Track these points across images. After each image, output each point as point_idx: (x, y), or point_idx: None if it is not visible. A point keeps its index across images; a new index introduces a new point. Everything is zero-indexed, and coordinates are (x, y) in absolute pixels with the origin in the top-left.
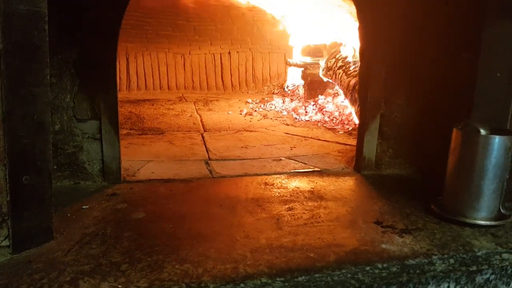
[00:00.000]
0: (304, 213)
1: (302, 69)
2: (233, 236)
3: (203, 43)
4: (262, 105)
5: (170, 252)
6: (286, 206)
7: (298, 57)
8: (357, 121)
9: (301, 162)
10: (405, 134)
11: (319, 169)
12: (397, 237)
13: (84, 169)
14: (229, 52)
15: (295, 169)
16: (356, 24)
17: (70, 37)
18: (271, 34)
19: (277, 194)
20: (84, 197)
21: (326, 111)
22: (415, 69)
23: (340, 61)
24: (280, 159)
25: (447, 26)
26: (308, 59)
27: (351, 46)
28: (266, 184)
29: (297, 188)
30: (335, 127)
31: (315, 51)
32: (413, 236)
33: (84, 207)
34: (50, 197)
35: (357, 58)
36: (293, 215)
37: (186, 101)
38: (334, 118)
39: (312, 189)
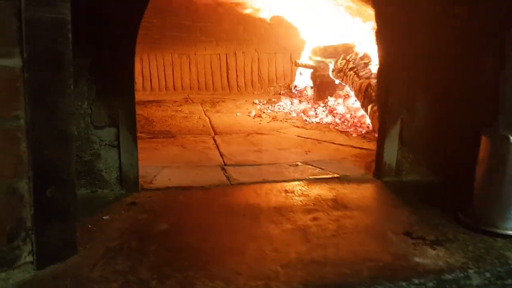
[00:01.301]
0: (330, 223)
1: (311, 70)
2: (261, 249)
3: (209, 43)
4: (270, 106)
5: (199, 267)
6: (311, 216)
7: (307, 58)
8: (370, 124)
9: (318, 167)
10: (425, 140)
11: (338, 176)
12: (430, 250)
13: (101, 177)
14: (235, 53)
15: (314, 175)
16: (364, 26)
17: (86, 41)
18: (278, 34)
19: (299, 202)
20: (103, 206)
21: (336, 113)
22: (436, 72)
23: (351, 62)
24: (297, 164)
25: (468, 29)
26: (318, 60)
27: (362, 48)
28: (286, 191)
29: (319, 196)
30: (347, 130)
31: (325, 52)
32: (446, 248)
33: (104, 217)
34: (74, 210)
35: (369, 60)
36: (320, 226)
37: (193, 102)
38: (345, 121)
39: (334, 197)
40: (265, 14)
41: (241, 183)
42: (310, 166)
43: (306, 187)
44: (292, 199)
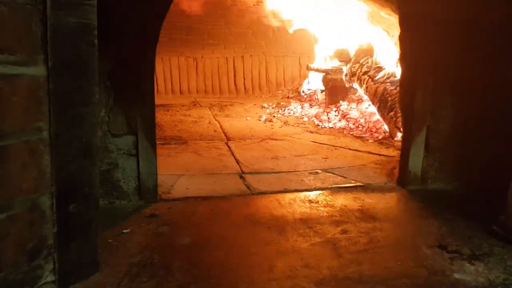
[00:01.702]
0: (360, 236)
1: (323, 74)
2: (292, 265)
3: (216, 46)
4: (280, 111)
5: (228, 285)
6: (339, 228)
7: (319, 61)
8: (387, 130)
9: (339, 175)
10: (451, 147)
11: (361, 184)
12: (468, 265)
13: (119, 187)
14: (243, 56)
15: (336, 184)
16: (376, 29)
17: (104, 47)
18: (286, 38)
19: (325, 213)
20: (122, 219)
21: (350, 118)
22: (463, 77)
23: (365, 66)
24: (317, 172)
25: (497, 34)
26: (331, 64)
27: (376, 52)
28: (310, 201)
29: (345, 206)
30: (362, 135)
31: (337, 56)
32: (484, 264)
33: (124, 231)
34: (96, 225)
35: (382, 64)
36: (350, 239)
37: (200, 106)
38: (360, 126)
39: (360, 207)
40: (277, 22)
41: (262, 192)
42: (330, 174)
43: (330, 196)
44: (317, 210)
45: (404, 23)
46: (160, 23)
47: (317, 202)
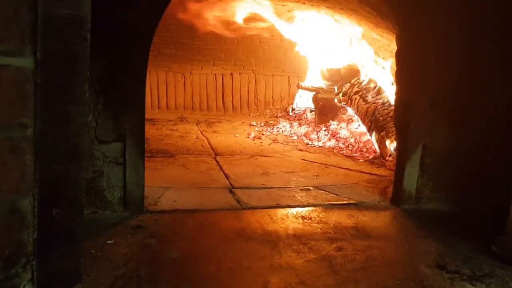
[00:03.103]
0: (356, 254)
1: (313, 93)
2: (287, 281)
3: (205, 63)
4: (269, 129)
5: None
6: (334, 246)
7: (310, 80)
8: (378, 150)
9: (332, 193)
10: (447, 166)
11: (354, 202)
12: (469, 286)
13: (103, 197)
14: (231, 73)
15: (329, 201)
16: (368, 48)
17: (95, 48)
18: (276, 57)
19: (319, 230)
20: (106, 229)
21: (340, 137)
22: (460, 97)
23: (356, 86)
24: (309, 189)
25: (495, 54)
26: (321, 83)
27: (367, 72)
28: (303, 218)
29: (339, 223)
30: (353, 154)
31: (329, 76)
32: (486, 285)
33: (108, 242)
34: (80, 233)
35: (375, 84)
36: (346, 257)
37: (187, 121)
38: (350, 145)
39: (355, 225)
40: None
41: (253, 207)
42: (323, 191)
43: (323, 213)
44: (311, 226)
45: (401, 41)
46: (154, 28)
47: (310, 218)
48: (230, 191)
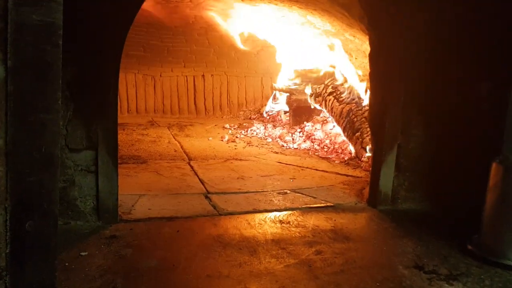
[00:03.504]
0: (335, 257)
1: (287, 94)
2: None
3: (176, 64)
4: (243, 131)
5: None
6: (313, 249)
7: (284, 81)
8: (353, 151)
9: (309, 195)
10: (422, 166)
11: (332, 204)
12: (446, 285)
13: (75, 206)
14: (203, 75)
15: (306, 204)
16: (342, 52)
17: (64, 53)
18: (249, 58)
19: (297, 234)
20: (79, 240)
21: (315, 139)
22: (433, 95)
23: (330, 87)
24: (286, 192)
25: (466, 52)
26: (295, 84)
27: (340, 72)
28: (281, 222)
29: (317, 226)
30: (328, 156)
31: (302, 76)
32: (463, 284)
33: (82, 253)
34: (54, 246)
35: (349, 84)
36: (325, 260)
37: (159, 125)
38: (325, 147)
39: (333, 227)
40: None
41: (230, 212)
42: (300, 194)
43: (301, 217)
44: (289, 230)
45: (373, 42)
46: (125, 32)
47: (289, 222)
48: (206, 197)
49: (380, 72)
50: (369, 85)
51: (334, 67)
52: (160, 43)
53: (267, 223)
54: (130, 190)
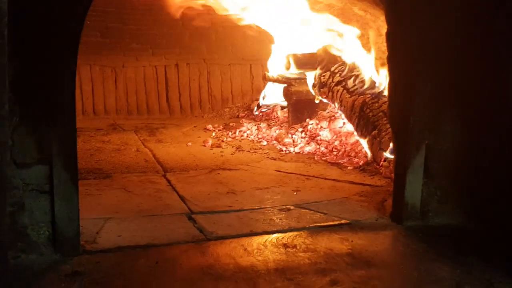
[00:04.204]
0: None
1: (285, 85)
2: None
3: (142, 52)
4: (230, 133)
5: None
6: (327, 279)
7: (279, 69)
8: (369, 153)
9: (318, 211)
10: (458, 171)
11: (347, 221)
12: None
13: (26, 236)
14: (177, 64)
15: (316, 223)
16: (350, 30)
17: (9, 46)
18: (234, 41)
19: (306, 260)
20: (33, 279)
21: (321, 140)
22: (468, 83)
23: (338, 74)
24: (289, 209)
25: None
26: (294, 73)
27: (349, 56)
28: (285, 246)
29: (330, 250)
30: (339, 161)
31: (302, 62)
32: None
33: None
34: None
35: (359, 71)
36: None
37: (123, 129)
38: (334, 149)
39: (350, 251)
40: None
41: (221, 237)
42: (306, 210)
43: (310, 238)
44: (296, 256)
45: (391, 17)
46: (84, 12)
47: (295, 246)
48: (190, 218)
49: (401, 54)
50: (387, 71)
51: (341, 50)
52: (121, 25)
53: (268, 248)
54: (93, 213)
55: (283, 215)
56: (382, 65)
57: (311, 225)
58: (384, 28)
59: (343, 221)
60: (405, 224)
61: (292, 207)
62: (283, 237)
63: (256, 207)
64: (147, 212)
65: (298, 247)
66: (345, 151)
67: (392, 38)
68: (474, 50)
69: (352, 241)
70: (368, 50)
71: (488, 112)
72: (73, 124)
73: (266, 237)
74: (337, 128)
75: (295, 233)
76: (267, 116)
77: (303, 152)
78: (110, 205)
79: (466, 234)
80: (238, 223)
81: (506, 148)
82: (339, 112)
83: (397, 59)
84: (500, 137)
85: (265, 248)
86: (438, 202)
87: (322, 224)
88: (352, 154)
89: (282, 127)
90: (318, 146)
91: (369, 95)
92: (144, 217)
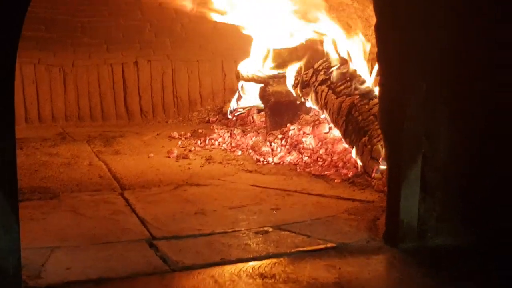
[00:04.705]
0: None
1: (261, 85)
2: None
3: (95, 48)
4: (199, 142)
5: None
6: None
7: (255, 66)
8: (359, 163)
9: (300, 234)
10: (459, 183)
11: (334, 245)
12: None
13: None
14: (136, 62)
15: (298, 247)
16: (330, 24)
17: None
18: (202, 33)
19: None
20: None
21: (304, 148)
22: (466, 83)
23: (322, 72)
24: (267, 231)
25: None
26: (271, 70)
27: (335, 50)
28: (263, 276)
29: (315, 280)
30: (325, 172)
31: (282, 59)
32: None
33: None
34: None
35: (347, 68)
36: None
37: (74, 139)
38: (319, 159)
39: (337, 280)
40: None
41: (188, 267)
42: (287, 233)
43: (290, 266)
44: None
45: (382, 5)
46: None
47: (273, 276)
48: (151, 245)
49: (392, 50)
50: (377, 68)
51: (325, 44)
52: (70, 17)
53: (242, 280)
54: (37, 241)
55: (260, 238)
56: (373, 60)
57: (292, 250)
58: (374, 19)
59: (329, 245)
60: (401, 246)
61: (270, 229)
62: (260, 266)
63: (229, 230)
64: (101, 238)
65: (277, 277)
66: (331, 160)
67: (381, 31)
68: (466, 50)
69: (339, 268)
70: (357, 43)
71: (481, 114)
72: (12, 135)
73: (240, 265)
74: (322, 134)
75: (274, 260)
76: (242, 121)
77: (283, 162)
78: (58, 231)
79: (472, 255)
80: (207, 250)
81: (502, 154)
82: (324, 115)
83: (387, 55)
84: (504, 143)
85: (239, 279)
86: (438, 219)
87: (304, 248)
88: (340, 165)
89: (259, 133)
90: (300, 156)
91: (358, 96)
92: (98, 244)
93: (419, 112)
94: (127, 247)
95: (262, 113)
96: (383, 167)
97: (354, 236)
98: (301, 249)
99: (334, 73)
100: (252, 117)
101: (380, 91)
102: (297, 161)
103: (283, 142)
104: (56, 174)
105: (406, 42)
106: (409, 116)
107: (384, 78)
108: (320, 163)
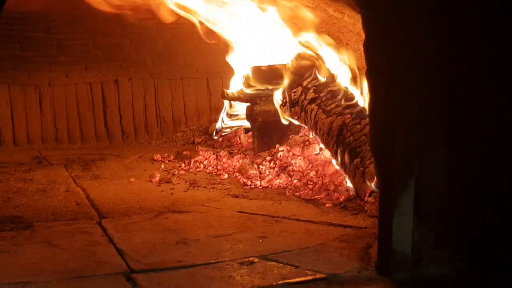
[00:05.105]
0: None
1: (248, 104)
2: None
3: (72, 66)
4: (183, 165)
5: None
6: None
7: (241, 84)
8: (351, 186)
9: (288, 264)
10: (455, 209)
11: (323, 276)
12: None
13: None
14: (116, 80)
15: (285, 279)
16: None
17: None
18: (186, 50)
19: None
20: None
21: (293, 171)
22: (461, 104)
23: (312, 90)
24: (253, 262)
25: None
26: (258, 89)
27: (326, 67)
28: None
29: None
30: (315, 196)
31: (268, 76)
32: None
33: None
34: None
35: (337, 86)
36: None
37: (50, 164)
38: (309, 182)
39: None
40: None
41: None
42: (274, 263)
43: None
44: None
45: (369, 24)
46: None
47: None
48: (129, 279)
49: (381, 69)
50: (368, 88)
51: (316, 60)
52: (46, 35)
53: None
54: (7, 276)
55: (245, 270)
56: (364, 77)
57: (279, 282)
58: (363, 33)
59: (318, 276)
60: (394, 276)
61: (256, 260)
62: None
63: (212, 261)
64: (75, 272)
65: None
66: (322, 184)
67: (370, 49)
68: (460, 69)
69: None
70: (348, 59)
71: (477, 136)
72: None
73: None
74: (312, 156)
75: None
76: (229, 142)
77: (272, 186)
78: (30, 265)
79: (468, 286)
80: (189, 283)
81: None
82: (314, 135)
83: (377, 74)
84: (493, 165)
85: None
86: (433, 248)
87: (292, 280)
88: (331, 188)
89: (246, 155)
90: (290, 178)
91: (349, 115)
92: (72, 279)
93: (411, 136)
94: (103, 282)
95: (250, 133)
96: (376, 190)
97: (345, 265)
98: (288, 281)
99: (324, 91)
100: (239, 138)
101: (370, 113)
102: (286, 184)
103: (271, 164)
104: (31, 202)
105: (394, 60)
106: (399, 140)
107: (373, 99)
108: (310, 186)
